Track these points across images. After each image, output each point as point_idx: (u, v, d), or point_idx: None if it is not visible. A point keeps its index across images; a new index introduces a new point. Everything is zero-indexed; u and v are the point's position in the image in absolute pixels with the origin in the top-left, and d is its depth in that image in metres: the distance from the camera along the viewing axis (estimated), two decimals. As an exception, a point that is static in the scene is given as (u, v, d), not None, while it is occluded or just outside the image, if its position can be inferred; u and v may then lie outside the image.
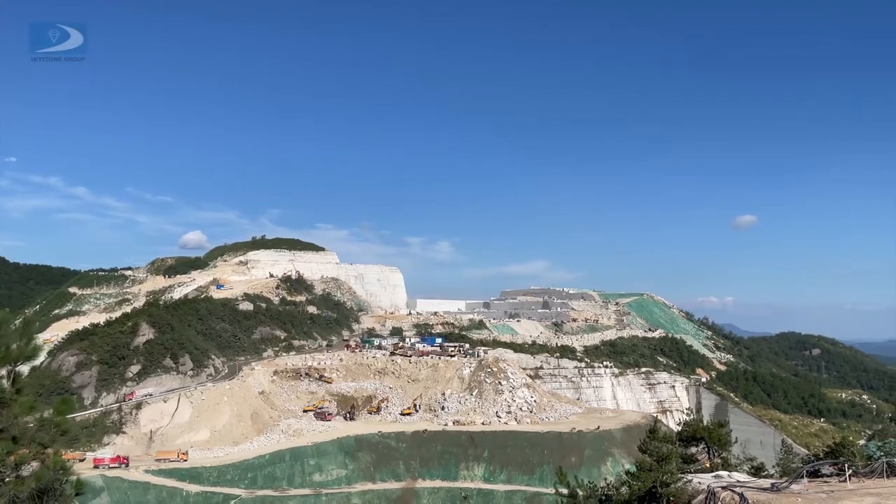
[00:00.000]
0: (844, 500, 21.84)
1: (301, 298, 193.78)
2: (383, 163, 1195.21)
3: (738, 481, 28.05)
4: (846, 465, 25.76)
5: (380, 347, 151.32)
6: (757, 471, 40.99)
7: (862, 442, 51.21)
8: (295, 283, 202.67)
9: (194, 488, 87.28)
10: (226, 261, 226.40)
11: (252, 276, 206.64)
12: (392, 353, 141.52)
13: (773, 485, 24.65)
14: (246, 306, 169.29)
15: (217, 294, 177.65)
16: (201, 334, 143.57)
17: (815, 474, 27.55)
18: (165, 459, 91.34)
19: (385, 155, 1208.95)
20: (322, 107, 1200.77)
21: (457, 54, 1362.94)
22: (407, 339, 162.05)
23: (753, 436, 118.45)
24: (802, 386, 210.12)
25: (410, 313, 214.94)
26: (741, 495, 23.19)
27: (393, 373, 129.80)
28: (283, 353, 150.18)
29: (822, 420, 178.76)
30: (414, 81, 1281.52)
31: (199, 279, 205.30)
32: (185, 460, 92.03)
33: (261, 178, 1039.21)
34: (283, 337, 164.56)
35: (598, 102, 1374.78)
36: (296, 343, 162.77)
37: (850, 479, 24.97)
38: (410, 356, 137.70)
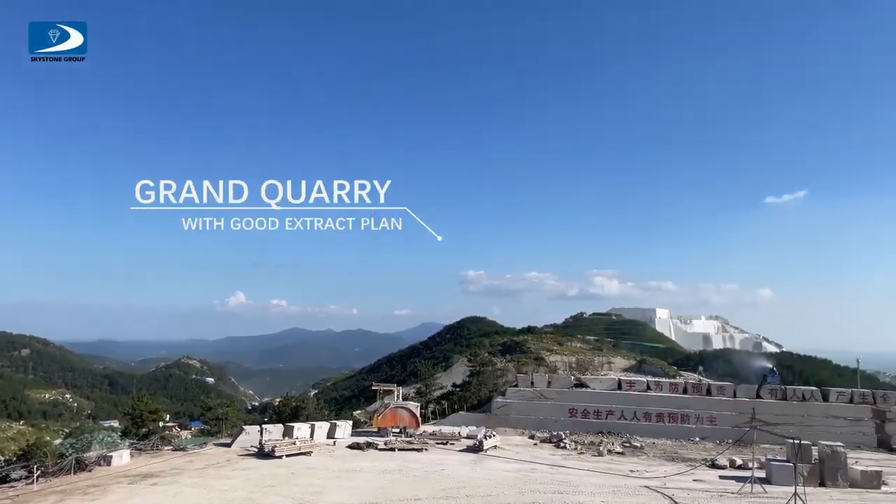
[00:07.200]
0: (30, 502, 22.17)
1: None
2: None
3: None
4: (35, 467, 26.14)
5: None
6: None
7: (58, 441, 52.72)
8: None
9: None
10: None
11: None
12: None
13: (-49, 502, 22.72)
14: None
15: None
16: None
17: (4, 480, 26.85)
18: None
19: None
20: None
21: None
22: None
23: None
24: (6, 388, 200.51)
25: None
26: None
27: None
28: None
29: (21, 422, 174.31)
30: None
31: None
32: None
33: None
34: None
35: None
36: None
37: (37, 481, 25.43)
38: None
